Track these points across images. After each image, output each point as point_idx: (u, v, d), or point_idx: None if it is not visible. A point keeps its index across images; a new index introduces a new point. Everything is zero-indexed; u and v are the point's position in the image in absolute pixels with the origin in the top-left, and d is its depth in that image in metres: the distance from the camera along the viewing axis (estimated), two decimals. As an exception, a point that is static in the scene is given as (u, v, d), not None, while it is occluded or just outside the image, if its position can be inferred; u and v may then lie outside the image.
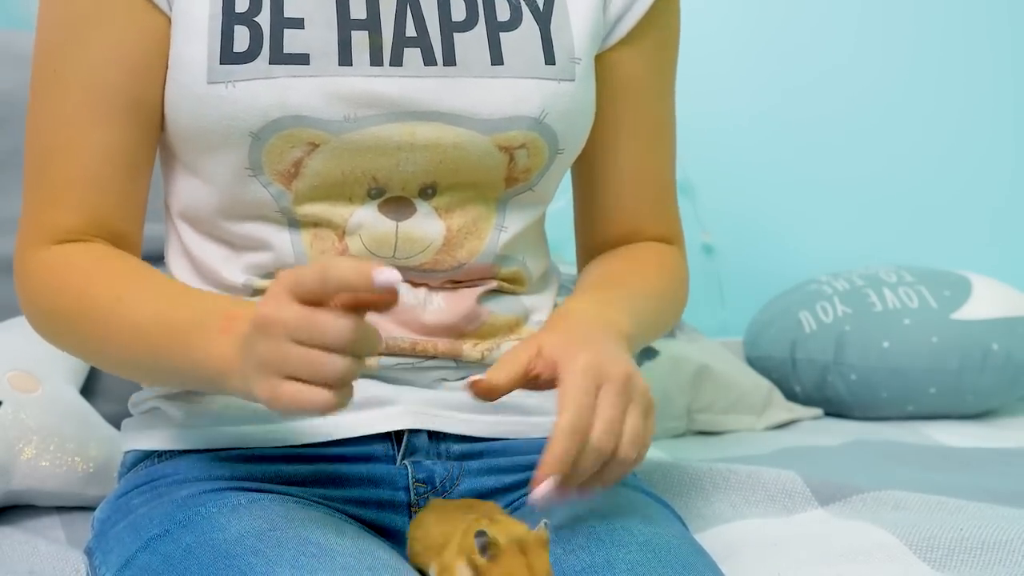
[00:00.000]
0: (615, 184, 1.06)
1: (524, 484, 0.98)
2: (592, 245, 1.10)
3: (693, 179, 2.11)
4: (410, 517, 0.94)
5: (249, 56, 0.90)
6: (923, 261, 2.13)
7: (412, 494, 0.94)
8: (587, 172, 1.06)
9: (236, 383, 0.81)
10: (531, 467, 0.85)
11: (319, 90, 0.90)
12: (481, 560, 0.79)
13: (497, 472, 0.98)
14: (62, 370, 1.31)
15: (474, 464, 0.97)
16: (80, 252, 0.94)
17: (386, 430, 0.95)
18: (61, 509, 1.26)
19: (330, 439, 0.94)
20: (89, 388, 1.36)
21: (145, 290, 0.90)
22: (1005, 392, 1.87)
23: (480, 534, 0.79)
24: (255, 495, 0.90)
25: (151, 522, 0.89)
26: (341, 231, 0.94)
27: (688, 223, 2.12)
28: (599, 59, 1.01)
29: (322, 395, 0.74)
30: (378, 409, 0.95)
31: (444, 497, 0.95)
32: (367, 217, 0.94)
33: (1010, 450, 1.57)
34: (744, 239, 2.21)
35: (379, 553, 0.84)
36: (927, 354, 1.83)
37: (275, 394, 0.75)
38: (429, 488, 0.94)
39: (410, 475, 0.94)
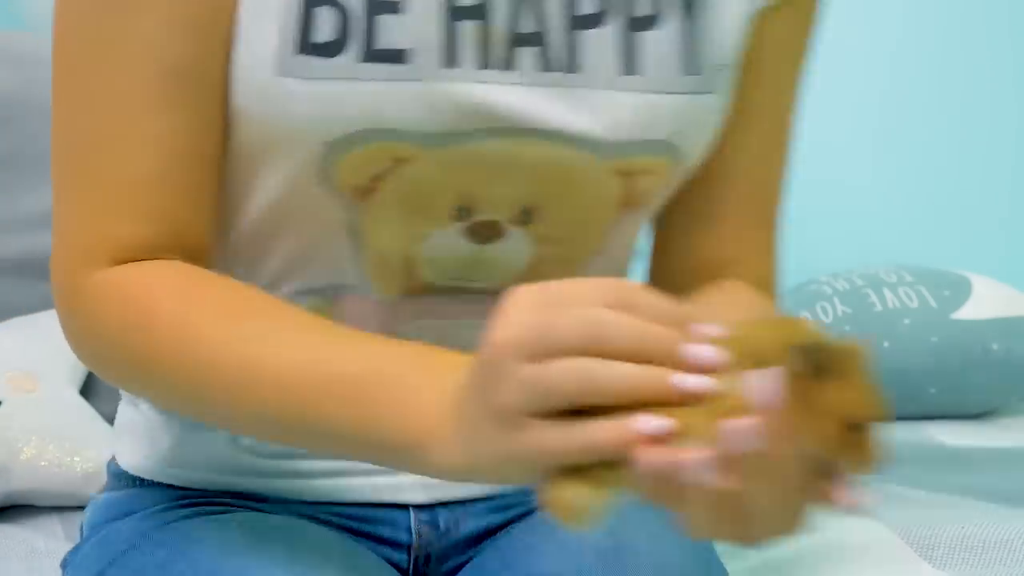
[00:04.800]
0: (728, 183, 0.88)
1: (527, 514, 0.89)
2: (675, 269, 0.90)
3: (693, 179, 2.11)
4: (409, 556, 0.88)
5: (334, 49, 0.72)
6: (923, 261, 2.13)
7: (414, 535, 0.88)
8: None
9: (439, 454, 0.61)
10: (532, 498, 0.70)
11: (417, 99, 0.73)
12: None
13: (502, 509, 0.90)
14: (61, 370, 1.31)
15: (479, 505, 0.89)
16: (170, 273, 0.74)
17: (394, 501, 0.87)
18: (61, 509, 1.26)
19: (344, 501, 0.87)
20: (88, 388, 1.35)
21: (293, 330, 0.69)
22: (1005, 392, 1.87)
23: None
24: (234, 509, 0.84)
25: (120, 536, 0.83)
26: (414, 254, 0.79)
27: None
28: None
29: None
30: (386, 476, 0.87)
31: (447, 539, 0.89)
32: (446, 240, 0.78)
33: (1010, 450, 1.57)
34: (744, 239, 2.21)
35: (369, 570, 0.80)
36: (927, 354, 1.83)
37: (525, 444, 0.56)
38: (432, 529, 0.88)
39: (413, 518, 0.88)
